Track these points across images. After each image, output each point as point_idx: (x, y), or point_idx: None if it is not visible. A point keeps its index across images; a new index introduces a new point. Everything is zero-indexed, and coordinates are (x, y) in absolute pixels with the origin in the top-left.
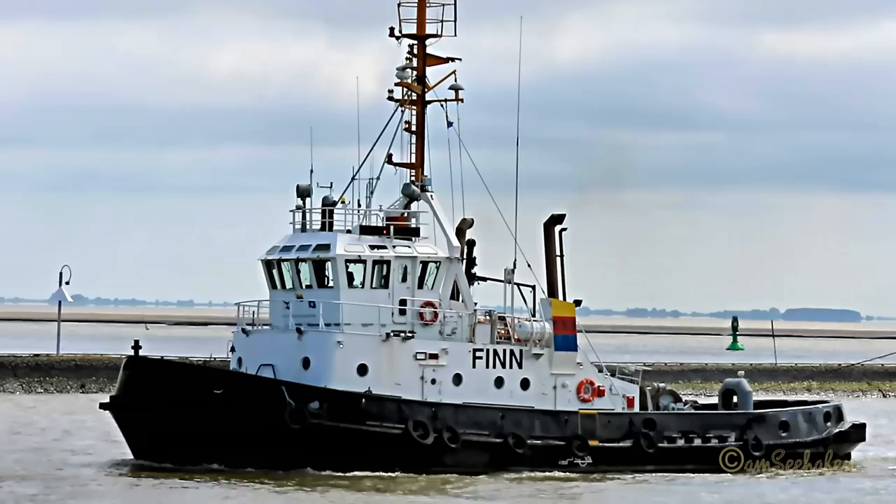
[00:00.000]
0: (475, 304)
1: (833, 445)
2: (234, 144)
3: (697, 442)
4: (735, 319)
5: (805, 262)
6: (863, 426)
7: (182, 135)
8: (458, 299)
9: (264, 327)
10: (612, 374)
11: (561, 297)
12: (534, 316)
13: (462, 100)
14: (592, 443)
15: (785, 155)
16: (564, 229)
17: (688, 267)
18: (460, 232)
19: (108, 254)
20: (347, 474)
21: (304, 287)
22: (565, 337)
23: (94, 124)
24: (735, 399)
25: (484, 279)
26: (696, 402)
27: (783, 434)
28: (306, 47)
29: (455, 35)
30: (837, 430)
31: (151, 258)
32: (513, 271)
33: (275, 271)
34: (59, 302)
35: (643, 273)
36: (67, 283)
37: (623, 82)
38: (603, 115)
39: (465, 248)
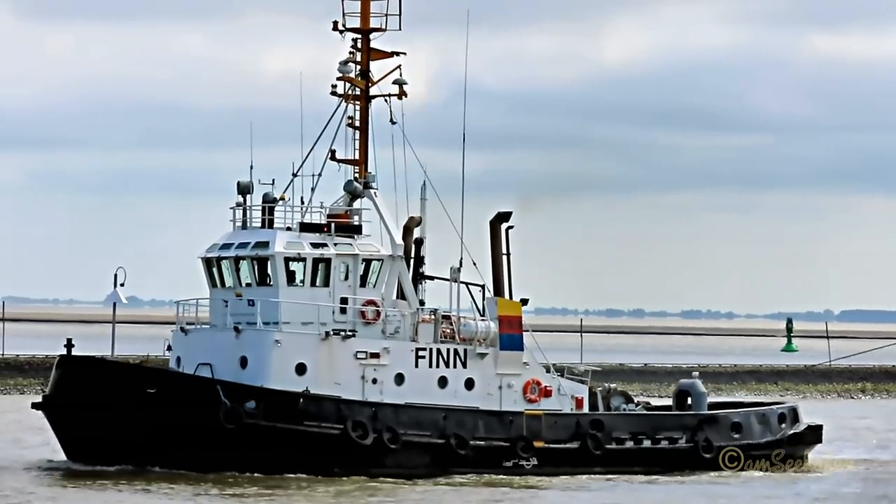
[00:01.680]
0: (422, 303)
1: (787, 447)
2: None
3: (647, 443)
4: (789, 321)
5: (858, 263)
6: (819, 428)
7: (230, 136)
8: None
9: (203, 326)
10: (561, 375)
11: (507, 296)
12: (482, 315)
13: (406, 94)
14: (538, 444)
15: (834, 157)
16: (511, 227)
17: (742, 269)
18: (408, 230)
19: (162, 255)
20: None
21: (244, 285)
22: (511, 336)
23: (144, 125)
24: (689, 400)
25: (431, 278)
26: (648, 402)
27: (735, 435)
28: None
29: (400, 29)
30: (792, 432)
31: None
32: (459, 270)
33: (214, 269)
34: (114, 304)
35: (699, 274)
36: (122, 284)
37: (669, 84)
38: (652, 117)
39: (413, 246)
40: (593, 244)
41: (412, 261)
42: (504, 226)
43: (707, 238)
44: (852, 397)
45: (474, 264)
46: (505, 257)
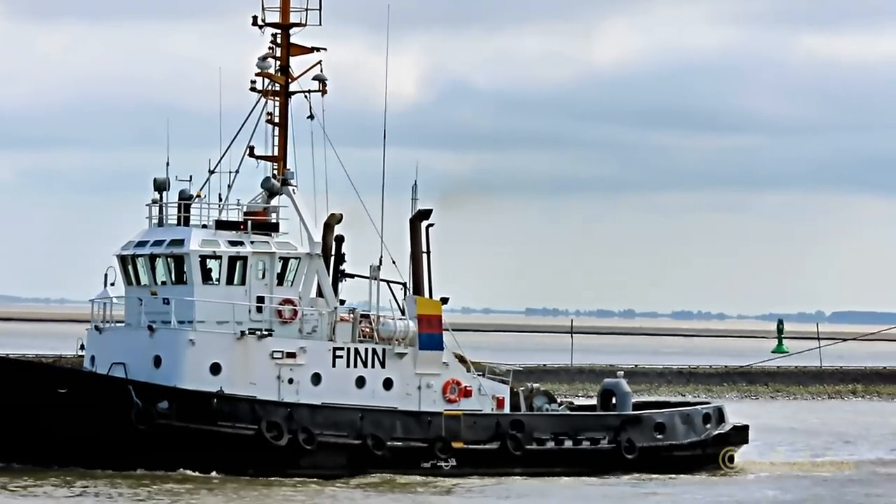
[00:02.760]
0: (343, 301)
1: (712, 448)
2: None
3: (568, 444)
4: (780, 322)
5: (850, 264)
6: (745, 428)
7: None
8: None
9: (118, 325)
10: (482, 374)
11: (427, 295)
12: (403, 314)
13: (326, 91)
14: (456, 445)
15: (826, 158)
16: (431, 225)
17: (734, 270)
18: (328, 227)
19: None
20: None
21: (159, 283)
22: (430, 335)
23: (136, 125)
24: (614, 400)
25: (352, 276)
26: (571, 402)
27: (659, 436)
28: None
29: (320, 24)
30: (717, 433)
31: None
32: (378, 268)
33: (130, 267)
34: (103, 303)
35: (690, 275)
36: (112, 284)
37: (661, 85)
38: (643, 118)
39: (334, 244)
40: (584, 244)
41: (333, 258)
42: (424, 223)
43: (698, 239)
44: (843, 399)
45: (393, 262)
46: (425, 255)
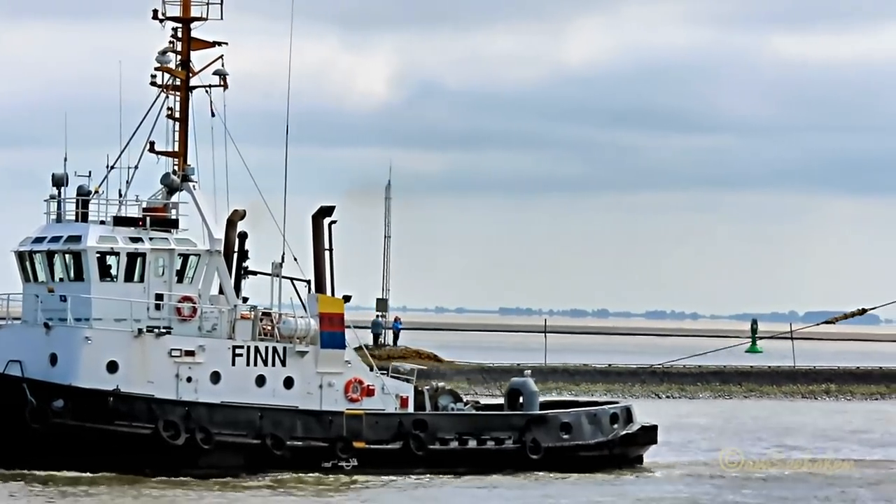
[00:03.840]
0: (246, 299)
1: (620, 448)
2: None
3: (472, 444)
4: (754, 322)
5: (823, 264)
6: (654, 428)
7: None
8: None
9: (15, 322)
10: (385, 373)
11: (329, 293)
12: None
13: (227, 86)
14: (358, 444)
15: (797, 158)
16: (334, 222)
17: (707, 269)
18: (231, 224)
19: None
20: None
21: (57, 280)
22: (332, 334)
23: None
24: (521, 399)
25: (255, 273)
26: (478, 402)
27: (565, 436)
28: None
29: (221, 19)
30: (625, 433)
31: None
32: (280, 265)
33: (27, 264)
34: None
35: (663, 275)
36: None
37: (633, 85)
38: (614, 118)
39: (237, 240)
40: (557, 244)
41: (236, 255)
42: (327, 220)
43: (672, 239)
44: (816, 398)
45: (295, 259)
46: (328, 252)
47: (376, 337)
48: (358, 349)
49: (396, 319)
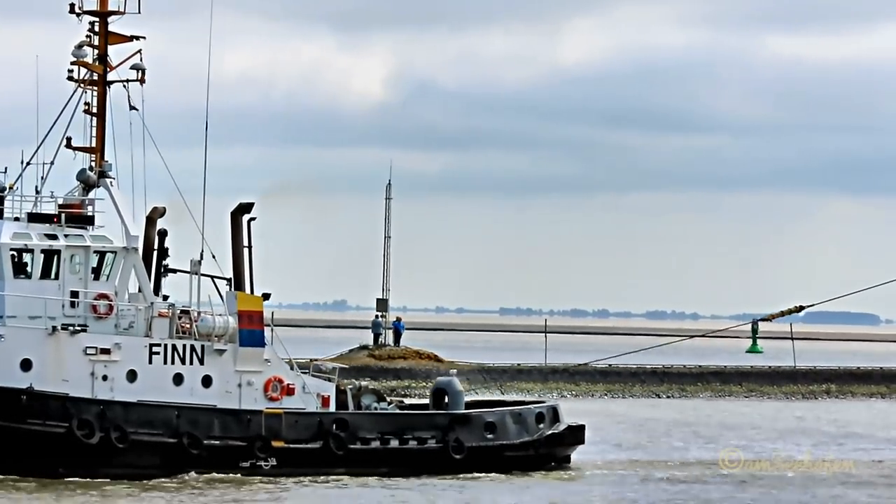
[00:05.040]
0: (166, 297)
1: (545, 448)
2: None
3: (394, 443)
4: (755, 322)
5: (822, 265)
6: (581, 428)
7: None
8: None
9: None
10: (306, 372)
11: (248, 290)
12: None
13: (144, 80)
14: (277, 444)
15: (794, 158)
16: (253, 219)
17: (707, 270)
18: (151, 221)
19: None
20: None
21: None
22: (251, 332)
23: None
24: (446, 399)
25: (174, 271)
26: (402, 401)
27: (489, 436)
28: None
29: (139, 12)
30: (551, 432)
31: None
32: (199, 262)
33: None
34: None
35: (663, 275)
36: None
37: (631, 85)
38: (610, 118)
39: (157, 237)
40: (557, 244)
41: (155, 252)
42: (246, 217)
43: (672, 239)
44: (816, 398)
45: (213, 257)
46: (247, 250)
47: (376, 337)
48: (359, 349)
49: (398, 320)
